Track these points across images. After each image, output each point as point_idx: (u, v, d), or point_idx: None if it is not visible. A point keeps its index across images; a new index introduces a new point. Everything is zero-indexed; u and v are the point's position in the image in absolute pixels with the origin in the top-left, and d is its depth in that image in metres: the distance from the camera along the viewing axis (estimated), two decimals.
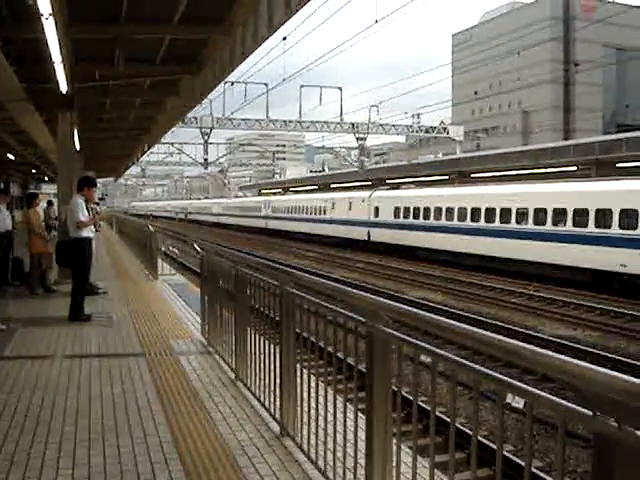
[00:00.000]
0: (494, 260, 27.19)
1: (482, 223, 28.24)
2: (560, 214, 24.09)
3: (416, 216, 33.71)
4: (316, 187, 64.86)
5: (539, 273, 24.58)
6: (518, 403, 9.70)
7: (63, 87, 12.97)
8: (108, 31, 11.91)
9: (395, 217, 35.90)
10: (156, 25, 11.90)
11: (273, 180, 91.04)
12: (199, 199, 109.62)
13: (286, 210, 54.36)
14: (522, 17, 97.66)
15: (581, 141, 40.53)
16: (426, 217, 32.73)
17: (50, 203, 25.14)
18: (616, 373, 2.07)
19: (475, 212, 28.84)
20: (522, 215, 26.08)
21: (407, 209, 34.72)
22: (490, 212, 27.83)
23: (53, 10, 7.83)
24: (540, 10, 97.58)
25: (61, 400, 6.21)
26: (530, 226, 25.47)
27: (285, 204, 55.96)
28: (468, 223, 29.16)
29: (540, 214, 25.07)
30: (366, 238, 38.91)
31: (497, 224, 27.33)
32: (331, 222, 44.14)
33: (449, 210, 30.77)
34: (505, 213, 26.94)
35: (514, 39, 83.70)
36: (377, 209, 38.21)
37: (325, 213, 45.50)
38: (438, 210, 31.68)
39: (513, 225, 26.45)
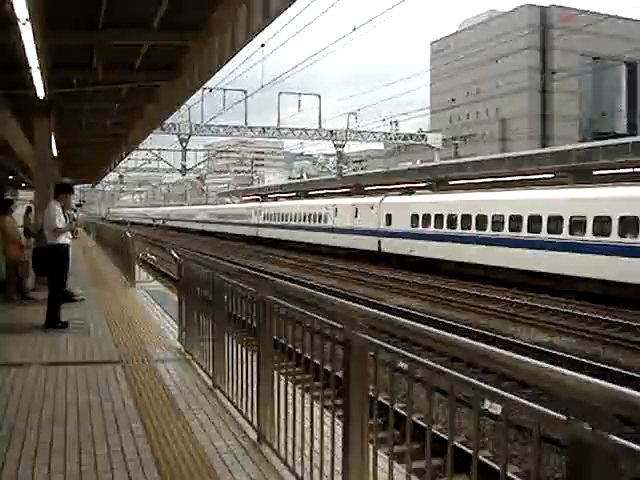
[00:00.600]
0: (544, 277, 23.21)
1: (525, 232, 24.35)
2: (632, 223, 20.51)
3: (441, 225, 29.43)
4: (295, 194, 64.61)
5: (601, 293, 20.93)
6: (496, 409, 9.72)
7: (40, 93, 12.91)
8: (86, 37, 11.88)
9: (413, 226, 31.54)
10: (134, 32, 11.88)
11: (255, 186, 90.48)
12: (181, 205, 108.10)
13: (280, 217, 49.76)
14: (500, 25, 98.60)
15: (558, 149, 40.89)
16: (453, 226, 28.50)
17: (29, 209, 24.91)
18: (590, 378, 2.09)
19: (514, 220, 25.03)
20: (578, 224, 22.17)
21: (427, 216, 30.38)
22: (535, 220, 23.94)
23: (30, 15, 7.79)
24: (518, 19, 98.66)
25: (37, 408, 6.14)
26: (589, 237, 21.58)
27: (279, 210, 51.08)
28: (506, 233, 25.31)
29: (603, 223, 21.22)
30: (376, 249, 34.66)
31: (544, 234, 23.40)
32: (334, 231, 39.66)
33: (483, 218, 26.75)
34: (554, 221, 23.13)
35: (492, 47, 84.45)
36: (389, 217, 33.79)
37: (326, 221, 41.05)
38: (470, 218, 27.50)
39: (565, 235, 22.54)
